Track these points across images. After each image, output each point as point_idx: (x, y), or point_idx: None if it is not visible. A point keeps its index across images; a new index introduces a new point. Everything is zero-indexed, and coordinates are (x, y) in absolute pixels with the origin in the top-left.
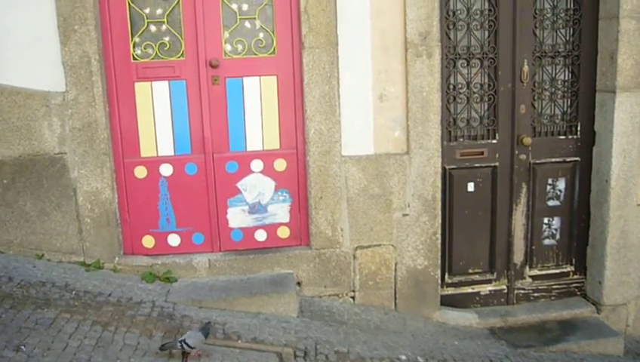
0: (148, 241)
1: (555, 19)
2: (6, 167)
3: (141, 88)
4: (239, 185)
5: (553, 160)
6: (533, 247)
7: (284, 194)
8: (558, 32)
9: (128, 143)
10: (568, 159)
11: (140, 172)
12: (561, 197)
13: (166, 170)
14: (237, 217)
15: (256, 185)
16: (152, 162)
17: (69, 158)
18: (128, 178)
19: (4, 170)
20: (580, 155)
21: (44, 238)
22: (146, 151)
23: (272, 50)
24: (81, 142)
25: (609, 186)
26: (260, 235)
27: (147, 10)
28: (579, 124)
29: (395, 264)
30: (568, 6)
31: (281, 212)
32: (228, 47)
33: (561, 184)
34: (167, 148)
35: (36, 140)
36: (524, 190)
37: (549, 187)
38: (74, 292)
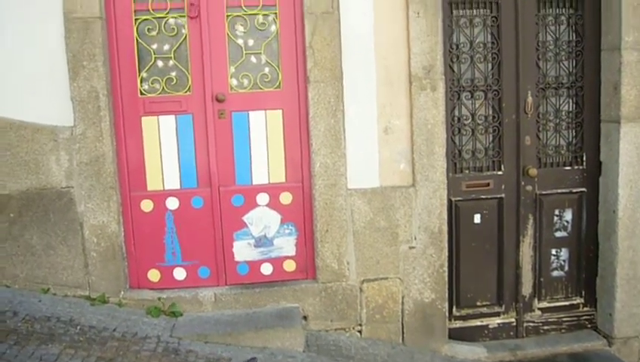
0: (153, 275)
1: (557, 51)
2: (13, 201)
3: (148, 122)
4: (245, 218)
5: (559, 191)
6: (542, 279)
7: (290, 227)
8: (561, 64)
9: (135, 177)
10: (575, 190)
11: (147, 205)
12: (569, 228)
13: (172, 203)
14: (243, 251)
15: (262, 219)
16: (159, 196)
17: (76, 192)
18: (134, 211)
19: (12, 204)
20: (587, 186)
21: (49, 272)
22: (153, 184)
23: (278, 84)
24: (88, 176)
25: (617, 217)
26: (266, 269)
27: (155, 46)
28: (584, 155)
29: (402, 297)
30: (570, 38)
31: (287, 245)
32: (234, 82)
33: (568, 215)
34: (173, 182)
35: (44, 174)
36: (531, 221)
37: (556, 218)
38: (79, 327)
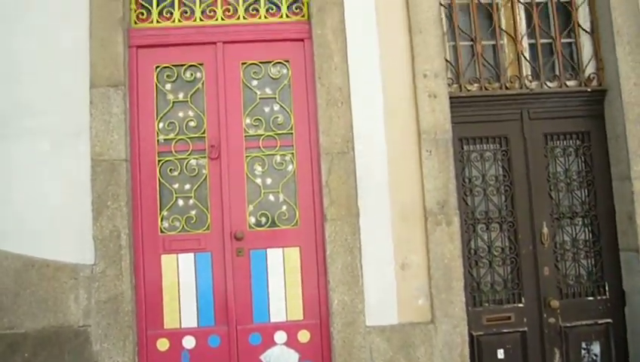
0: None
1: (568, 181)
2: (29, 340)
3: (167, 260)
4: (263, 357)
5: (584, 322)
6: None
7: None
8: (573, 194)
9: (152, 315)
10: (600, 321)
11: (163, 344)
12: None
13: (189, 342)
14: None
15: (280, 358)
16: (175, 334)
17: (93, 331)
18: (150, 351)
19: (27, 343)
20: (612, 316)
21: None
22: (170, 322)
23: (295, 222)
24: (106, 314)
25: None
26: None
27: (176, 186)
28: (606, 284)
29: None
30: (580, 168)
31: None
32: (252, 220)
33: (596, 348)
34: (190, 320)
35: (61, 312)
36: (557, 356)
37: (583, 351)
38: None
